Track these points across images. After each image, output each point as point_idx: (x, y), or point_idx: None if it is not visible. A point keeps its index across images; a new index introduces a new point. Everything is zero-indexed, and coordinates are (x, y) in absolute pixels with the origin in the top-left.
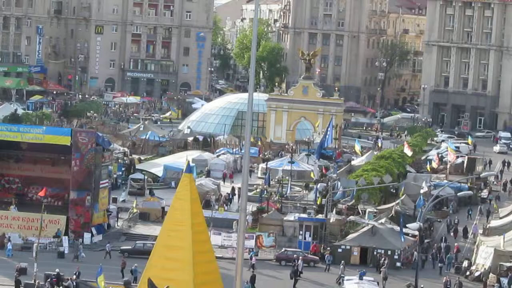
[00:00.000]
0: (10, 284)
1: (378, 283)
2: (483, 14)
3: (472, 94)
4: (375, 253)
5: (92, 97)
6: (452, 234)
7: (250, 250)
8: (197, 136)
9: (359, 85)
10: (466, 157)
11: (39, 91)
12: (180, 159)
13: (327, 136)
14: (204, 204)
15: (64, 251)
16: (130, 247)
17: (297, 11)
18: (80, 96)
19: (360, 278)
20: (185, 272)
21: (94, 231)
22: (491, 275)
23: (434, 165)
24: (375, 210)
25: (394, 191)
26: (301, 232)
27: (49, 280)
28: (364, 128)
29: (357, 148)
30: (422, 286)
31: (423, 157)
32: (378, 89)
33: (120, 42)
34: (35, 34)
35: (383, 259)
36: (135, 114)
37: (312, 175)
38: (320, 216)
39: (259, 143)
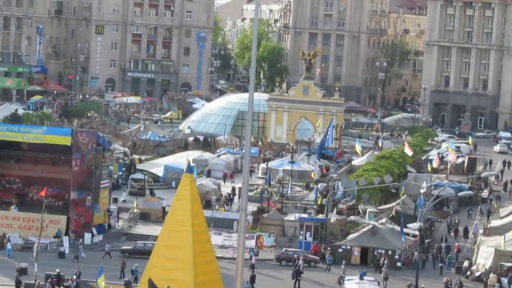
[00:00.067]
0: (10, 284)
1: (378, 283)
2: (484, 14)
3: (473, 94)
4: (375, 253)
5: (93, 97)
6: (452, 234)
7: (250, 250)
8: (197, 136)
9: (359, 85)
10: (467, 157)
11: (40, 91)
12: (180, 159)
13: (327, 136)
14: (205, 204)
15: (64, 251)
16: (130, 247)
17: (298, 11)
18: (80, 96)
19: (361, 278)
20: (186, 272)
21: (94, 231)
22: (491, 275)
23: (435, 165)
24: (376, 210)
25: (395, 191)
26: (301, 232)
27: (49, 280)
28: (365, 128)
29: (358, 148)
30: (422, 286)
31: (423, 157)
32: (379, 89)
33: (121, 42)
34: (36, 34)
35: (382, 259)
36: (136, 114)
37: (312, 175)
38: (320, 216)
39: (260, 143)
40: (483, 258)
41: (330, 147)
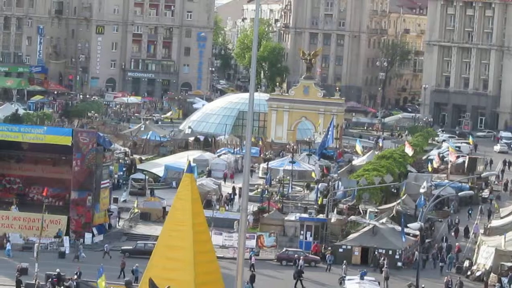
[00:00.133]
0: (11, 284)
1: (379, 283)
2: (484, 14)
3: (473, 94)
4: (375, 253)
5: (93, 97)
6: (453, 234)
7: (250, 250)
8: (198, 136)
9: (360, 85)
10: (467, 157)
11: (40, 91)
12: (181, 159)
13: (328, 136)
14: (205, 204)
15: (65, 251)
16: (131, 247)
17: (298, 11)
18: (81, 96)
19: (361, 278)
20: (186, 272)
21: (95, 231)
22: (492, 275)
23: (435, 165)
24: (376, 210)
25: (395, 191)
26: (302, 232)
27: (50, 280)
28: (365, 128)
29: (358, 148)
30: (423, 286)
31: (424, 157)
32: (379, 89)
33: (121, 42)
34: (36, 34)
35: (382, 258)
36: (136, 114)
37: (313, 175)
38: (321, 216)
39: (260, 143)
40: (484, 258)
41: (330, 147)
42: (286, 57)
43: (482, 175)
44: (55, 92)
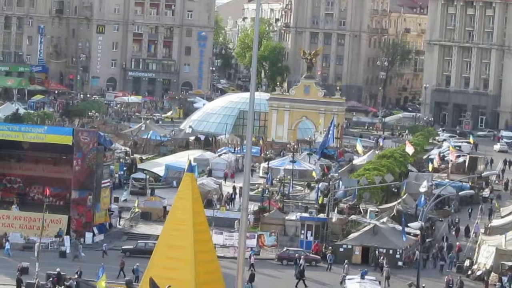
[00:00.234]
0: (11, 284)
1: (379, 282)
2: (485, 13)
3: (474, 93)
4: (376, 253)
5: (94, 96)
6: (453, 233)
7: (250, 249)
8: (198, 136)
9: (360, 84)
10: (468, 156)
11: (41, 91)
12: (181, 159)
13: (328, 136)
14: (206, 203)
15: (65, 250)
16: (131, 247)
17: (299, 11)
18: (81, 95)
19: (362, 277)
20: (187, 271)
21: (95, 231)
22: (492, 274)
23: (436, 164)
24: (377, 209)
25: (396, 190)
26: (302, 232)
27: (50, 279)
28: (366, 127)
29: (359, 147)
30: (423, 285)
31: (424, 156)
32: (380, 88)
33: (122, 41)
34: (37, 34)
35: (381, 258)
36: (137, 114)
37: (313, 174)
38: (321, 215)
39: (261, 142)
40: (484, 258)
41: (331, 147)
42: (286, 56)
43: (482, 174)
44: (56, 92)
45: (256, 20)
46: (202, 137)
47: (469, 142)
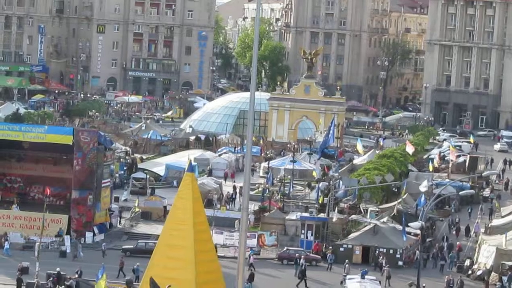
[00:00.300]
0: (12, 283)
1: (380, 282)
2: (485, 13)
3: (474, 93)
4: (376, 252)
5: (94, 96)
6: (454, 232)
7: (250, 249)
8: (199, 135)
9: (361, 84)
10: (468, 156)
11: (41, 90)
12: (182, 158)
13: (329, 135)
14: (206, 203)
15: (66, 250)
16: (132, 246)
17: (299, 10)
18: (82, 95)
19: (362, 277)
20: (187, 271)
21: (96, 230)
22: (493, 274)
23: (436, 164)
24: (377, 209)
25: (396, 190)
26: (303, 231)
27: (50, 279)
28: (366, 127)
29: (359, 147)
30: (424, 285)
31: (425, 156)
32: (380, 88)
33: (122, 41)
34: (37, 33)
35: (380, 257)
36: (137, 113)
37: (314, 174)
38: (322, 215)
39: (261, 142)
40: (485, 257)
41: (331, 146)
42: (287, 56)
43: (483, 174)
44: (56, 91)
45: (256, 19)
46: (203, 137)
47: (469, 142)
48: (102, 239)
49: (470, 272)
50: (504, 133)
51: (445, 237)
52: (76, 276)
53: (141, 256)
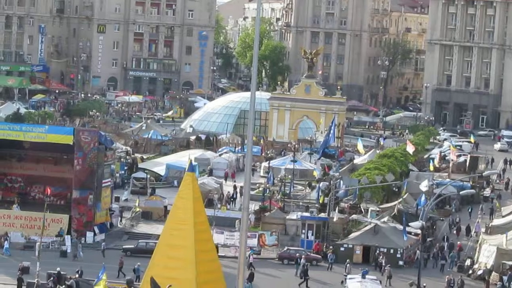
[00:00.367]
0: (12, 283)
1: (380, 281)
2: (486, 12)
3: (475, 93)
4: (376, 252)
5: (95, 96)
6: (455, 232)
7: (250, 248)
8: (199, 135)
9: (361, 83)
10: (469, 155)
11: (42, 90)
12: (182, 158)
13: (329, 135)
14: (207, 203)
15: (66, 250)
16: (132, 246)
17: (300, 10)
18: (82, 95)
19: (363, 276)
20: (188, 271)
21: (96, 230)
22: (493, 273)
23: (437, 163)
24: (378, 209)
25: (397, 189)
26: (303, 231)
27: (51, 279)
28: (367, 126)
29: (360, 146)
30: (424, 285)
31: (425, 156)
32: (381, 87)
33: (123, 41)
34: (38, 33)
35: (380, 257)
36: (138, 113)
37: (314, 173)
38: (322, 214)
39: (262, 142)
40: (485, 257)
41: (332, 146)
42: (287, 56)
43: (483, 174)
44: (57, 91)
45: (257, 19)
46: (203, 137)
47: (470, 142)
48: (103, 239)
49: (470, 271)
50: (505, 132)
51: (445, 236)
52: (77, 276)
53: (142, 256)
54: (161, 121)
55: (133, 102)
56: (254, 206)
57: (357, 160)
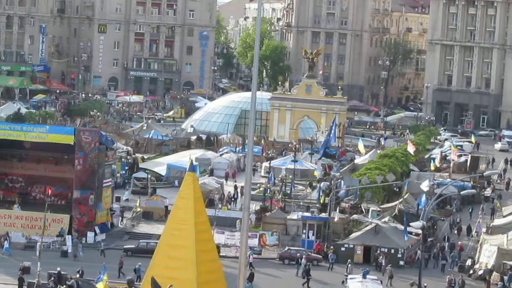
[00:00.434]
0: (13, 283)
1: (381, 281)
2: (486, 12)
3: (475, 93)
4: (377, 252)
5: (95, 96)
6: (455, 232)
7: (249, 248)
8: (200, 135)
9: (362, 83)
10: (469, 155)
11: (42, 90)
12: (183, 158)
13: (330, 135)
14: (207, 203)
15: (67, 250)
16: (133, 246)
17: (300, 10)
18: (83, 95)
19: (364, 277)
20: (189, 271)
21: (97, 230)
22: (494, 273)
23: (437, 163)
24: (379, 209)
25: (398, 189)
26: (304, 231)
27: (52, 279)
28: (368, 126)
29: (361, 146)
30: (425, 285)
31: (426, 156)
32: (381, 87)
33: (123, 41)
34: (38, 33)
35: (380, 257)
36: (138, 113)
37: (315, 173)
38: (323, 214)
39: (262, 142)
40: (486, 257)
41: (333, 146)
42: (288, 56)
43: (484, 174)
44: (57, 91)
45: (257, 19)
46: (204, 137)
47: (470, 142)
48: (103, 239)
49: (471, 272)
50: (506, 132)
51: (446, 237)
52: (78, 276)
53: (143, 256)
54: (162, 121)
55: (134, 102)
56: (255, 206)
57: (358, 160)
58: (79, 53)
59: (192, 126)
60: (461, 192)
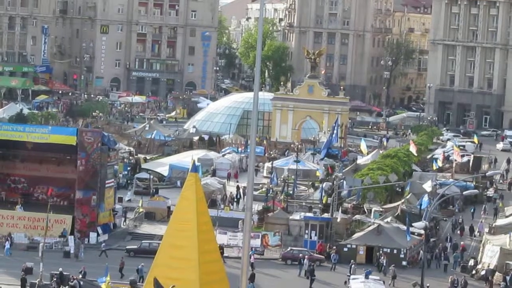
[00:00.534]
0: (16, 284)
1: (384, 282)
2: (489, 12)
3: (478, 93)
4: (379, 252)
5: (98, 96)
6: (458, 232)
7: (251, 249)
8: (202, 136)
9: (364, 84)
10: (472, 155)
11: (45, 91)
12: (185, 159)
13: (333, 135)
14: (210, 203)
15: (70, 250)
16: (136, 247)
17: (302, 10)
18: (85, 95)
19: (366, 277)
20: (191, 271)
21: (100, 231)
22: (497, 273)
23: (440, 163)
24: (381, 209)
25: (400, 190)
26: (307, 231)
27: (54, 279)
28: (370, 127)
29: (363, 147)
30: (428, 285)
31: (428, 156)
32: (384, 88)
33: (126, 41)
34: (41, 34)
35: (382, 257)
36: (141, 114)
37: (317, 174)
38: (325, 215)
39: (265, 142)
40: (489, 257)
41: (335, 146)
42: (290, 56)
43: (486, 174)
44: (60, 92)
45: (259, 20)
46: (206, 137)
47: (473, 142)
48: (106, 239)
49: (474, 272)
50: (508, 132)
51: (449, 237)
52: (80, 276)
53: (145, 256)
54: (164, 122)
55: (136, 102)
56: (257, 206)
57: (360, 160)
58: (81, 54)
59: (194, 127)
60: (464, 192)
